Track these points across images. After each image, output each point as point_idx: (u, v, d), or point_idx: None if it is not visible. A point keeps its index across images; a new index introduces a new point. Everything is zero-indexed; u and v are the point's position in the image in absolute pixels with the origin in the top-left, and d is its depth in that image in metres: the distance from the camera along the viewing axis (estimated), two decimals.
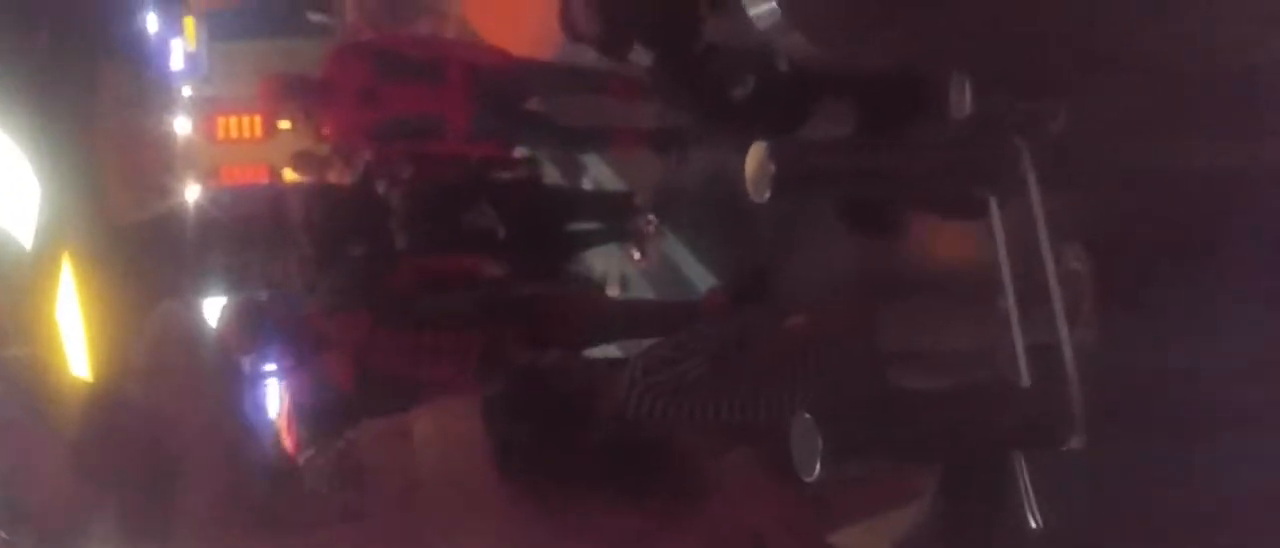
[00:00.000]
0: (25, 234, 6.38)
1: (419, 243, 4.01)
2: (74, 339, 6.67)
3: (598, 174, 5.15)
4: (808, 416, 1.63)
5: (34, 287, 6.40)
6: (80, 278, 6.79)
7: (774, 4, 1.50)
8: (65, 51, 7.11)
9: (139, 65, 10.29)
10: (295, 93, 3.93)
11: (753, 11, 1.55)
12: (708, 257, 4.24)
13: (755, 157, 1.87)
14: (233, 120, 12.25)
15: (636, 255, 4.74)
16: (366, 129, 3.82)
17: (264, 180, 11.97)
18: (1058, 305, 1.78)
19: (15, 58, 6.28)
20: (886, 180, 2.06)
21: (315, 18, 11.75)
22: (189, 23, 12.20)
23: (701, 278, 4.20)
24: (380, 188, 4.09)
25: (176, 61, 11.86)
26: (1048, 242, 1.86)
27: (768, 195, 1.84)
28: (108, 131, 7.90)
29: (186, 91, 12.04)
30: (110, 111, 8.01)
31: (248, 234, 6.12)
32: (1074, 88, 1.90)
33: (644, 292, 4.82)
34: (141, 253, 8.53)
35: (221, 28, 12.76)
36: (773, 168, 1.81)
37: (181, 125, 11.39)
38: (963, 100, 1.92)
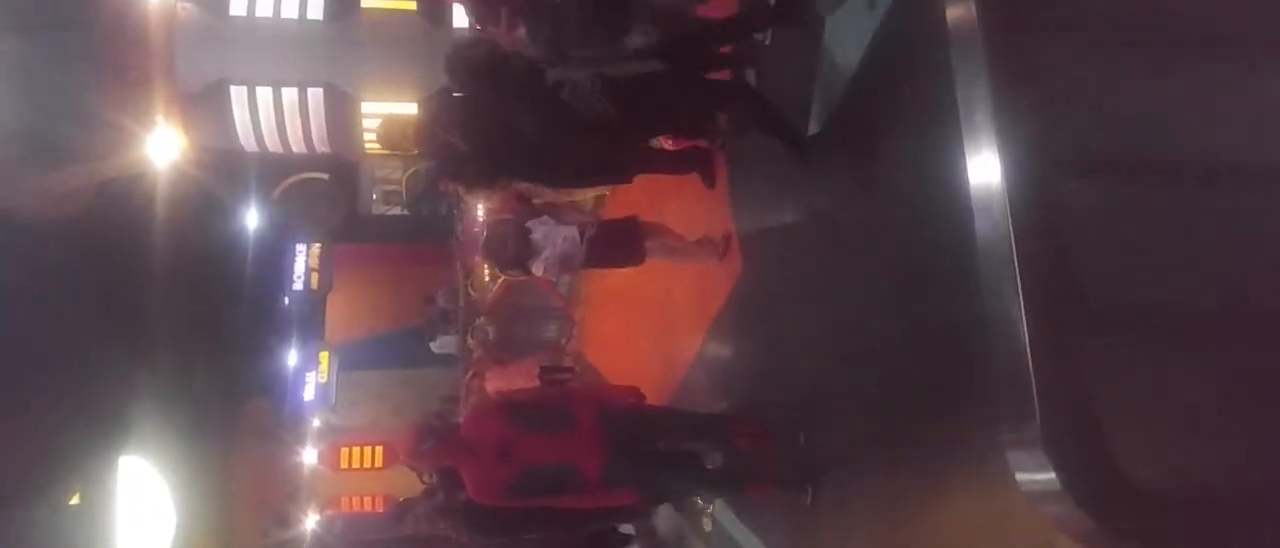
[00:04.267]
0: None
1: None
2: None
3: None
4: None
5: None
6: None
7: (1054, 477, 1.45)
8: (215, 391, 7.60)
9: (278, 401, 10.89)
10: (436, 446, 4.04)
11: (1022, 477, 1.50)
12: None
13: None
14: (355, 451, 12.74)
15: None
16: (504, 485, 3.89)
17: (379, 510, 12.24)
18: None
19: (171, 398, 6.72)
20: None
21: (438, 347, 12.43)
22: (324, 357, 12.99)
23: None
24: None
25: (309, 393, 12.49)
26: None
27: None
28: (243, 464, 8.28)
29: (315, 422, 12.58)
30: (248, 445, 8.43)
31: None
32: None
33: None
34: None
35: (349, 359, 13.58)
36: None
37: (308, 455, 11.82)
38: None
